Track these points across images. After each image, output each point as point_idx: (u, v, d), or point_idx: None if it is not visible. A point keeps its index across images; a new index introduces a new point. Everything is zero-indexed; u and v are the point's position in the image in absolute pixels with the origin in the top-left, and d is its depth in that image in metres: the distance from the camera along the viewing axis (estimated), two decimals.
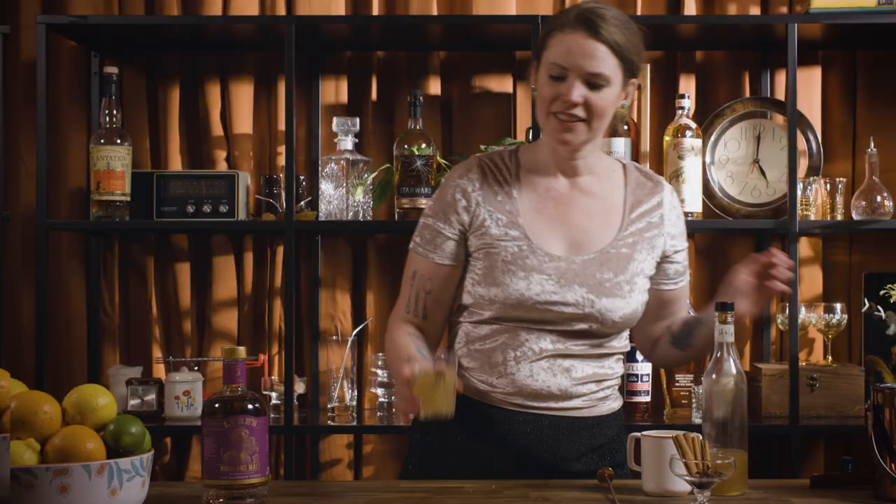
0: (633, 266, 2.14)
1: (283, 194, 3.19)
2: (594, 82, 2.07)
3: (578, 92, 2.07)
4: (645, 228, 2.18)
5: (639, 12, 3.35)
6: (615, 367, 2.20)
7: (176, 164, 3.37)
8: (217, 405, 1.81)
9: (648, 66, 3.20)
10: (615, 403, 2.22)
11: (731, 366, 1.91)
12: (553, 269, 2.09)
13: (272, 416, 3.16)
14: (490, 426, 2.14)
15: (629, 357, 3.12)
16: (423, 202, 3.10)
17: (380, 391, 3.17)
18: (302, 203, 3.24)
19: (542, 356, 2.12)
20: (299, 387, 3.26)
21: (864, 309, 3.25)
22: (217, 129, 3.39)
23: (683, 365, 3.03)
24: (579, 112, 2.08)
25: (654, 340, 2.27)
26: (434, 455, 2.20)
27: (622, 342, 2.20)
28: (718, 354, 1.92)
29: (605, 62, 2.07)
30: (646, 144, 3.18)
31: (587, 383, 2.14)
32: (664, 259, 2.21)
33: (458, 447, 2.17)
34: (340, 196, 3.14)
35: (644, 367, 3.13)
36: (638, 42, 2.13)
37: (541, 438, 2.13)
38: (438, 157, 3.20)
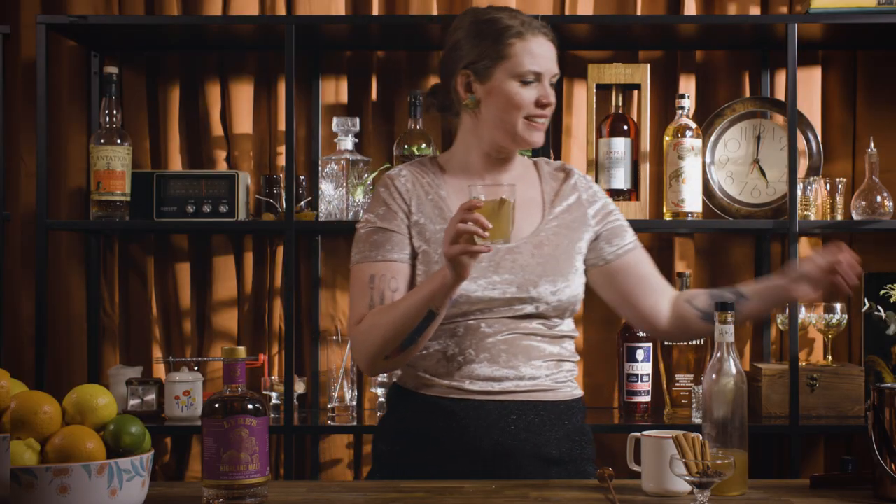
0: (560, 250, 2.23)
1: (283, 194, 3.19)
2: (552, 83, 2.25)
3: (552, 94, 2.24)
4: (566, 212, 2.29)
5: (639, 12, 3.35)
6: (570, 349, 2.28)
7: (176, 164, 3.37)
8: (217, 405, 1.81)
9: (648, 66, 3.20)
10: (577, 391, 2.28)
11: (731, 366, 1.91)
12: (485, 258, 2.15)
13: (272, 416, 3.16)
14: (457, 420, 2.16)
15: (629, 356, 3.12)
16: None
17: (380, 391, 3.17)
18: (302, 203, 3.24)
19: (496, 343, 2.17)
20: (299, 387, 3.26)
21: (864, 309, 3.24)
22: (217, 129, 3.39)
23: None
24: (549, 112, 2.25)
25: (672, 318, 2.31)
26: (402, 462, 2.22)
27: (570, 325, 2.28)
28: (718, 354, 1.92)
29: (557, 66, 2.28)
30: (646, 144, 3.18)
31: (547, 362, 2.20)
32: (599, 234, 2.31)
33: (426, 451, 2.18)
34: (340, 196, 3.14)
35: (644, 367, 3.13)
36: None
37: (507, 425, 2.15)
38: None
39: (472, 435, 2.14)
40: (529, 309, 2.18)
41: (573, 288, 2.22)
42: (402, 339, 2.09)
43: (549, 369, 2.20)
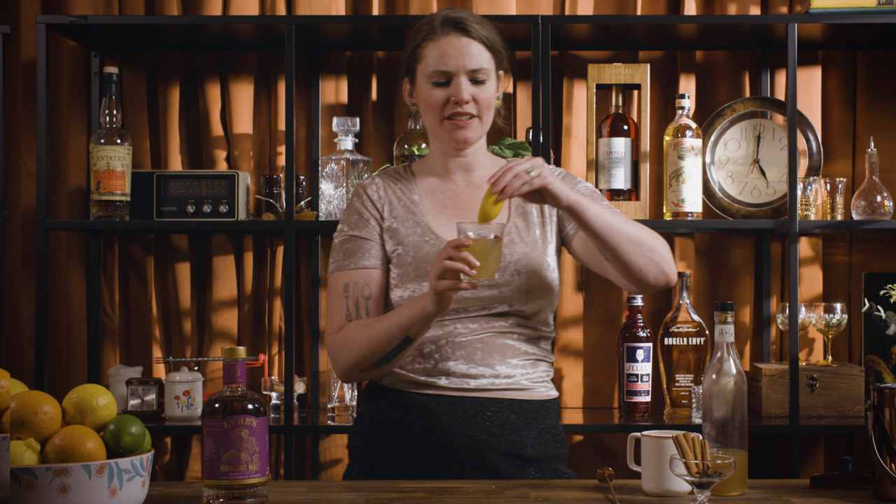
0: (530, 247, 2.23)
1: (283, 194, 3.19)
2: (477, 78, 2.22)
3: (467, 90, 2.21)
4: (528, 207, 2.29)
5: (639, 12, 3.35)
6: (547, 349, 2.29)
7: (176, 164, 3.37)
8: (217, 405, 1.81)
9: (648, 66, 3.20)
10: (552, 392, 2.29)
11: (731, 366, 1.92)
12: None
13: (272, 416, 3.16)
14: (432, 416, 2.17)
15: (629, 356, 3.12)
16: None
17: None
18: (302, 203, 3.24)
19: (472, 341, 2.18)
20: (299, 387, 3.26)
21: (864, 309, 3.25)
22: (217, 129, 3.39)
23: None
24: (471, 109, 2.22)
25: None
26: (377, 458, 2.23)
27: (548, 326, 2.28)
28: (718, 354, 1.92)
29: (482, 57, 2.23)
30: (646, 144, 3.18)
31: (523, 361, 2.21)
32: (562, 219, 2.31)
33: (400, 445, 2.19)
34: (340, 196, 3.14)
35: (644, 367, 3.13)
36: (499, 36, 2.29)
37: (482, 421, 2.16)
38: None
39: (447, 431, 2.16)
40: (503, 307, 2.20)
41: (544, 283, 2.23)
42: (377, 358, 2.15)
43: (525, 368, 2.22)
